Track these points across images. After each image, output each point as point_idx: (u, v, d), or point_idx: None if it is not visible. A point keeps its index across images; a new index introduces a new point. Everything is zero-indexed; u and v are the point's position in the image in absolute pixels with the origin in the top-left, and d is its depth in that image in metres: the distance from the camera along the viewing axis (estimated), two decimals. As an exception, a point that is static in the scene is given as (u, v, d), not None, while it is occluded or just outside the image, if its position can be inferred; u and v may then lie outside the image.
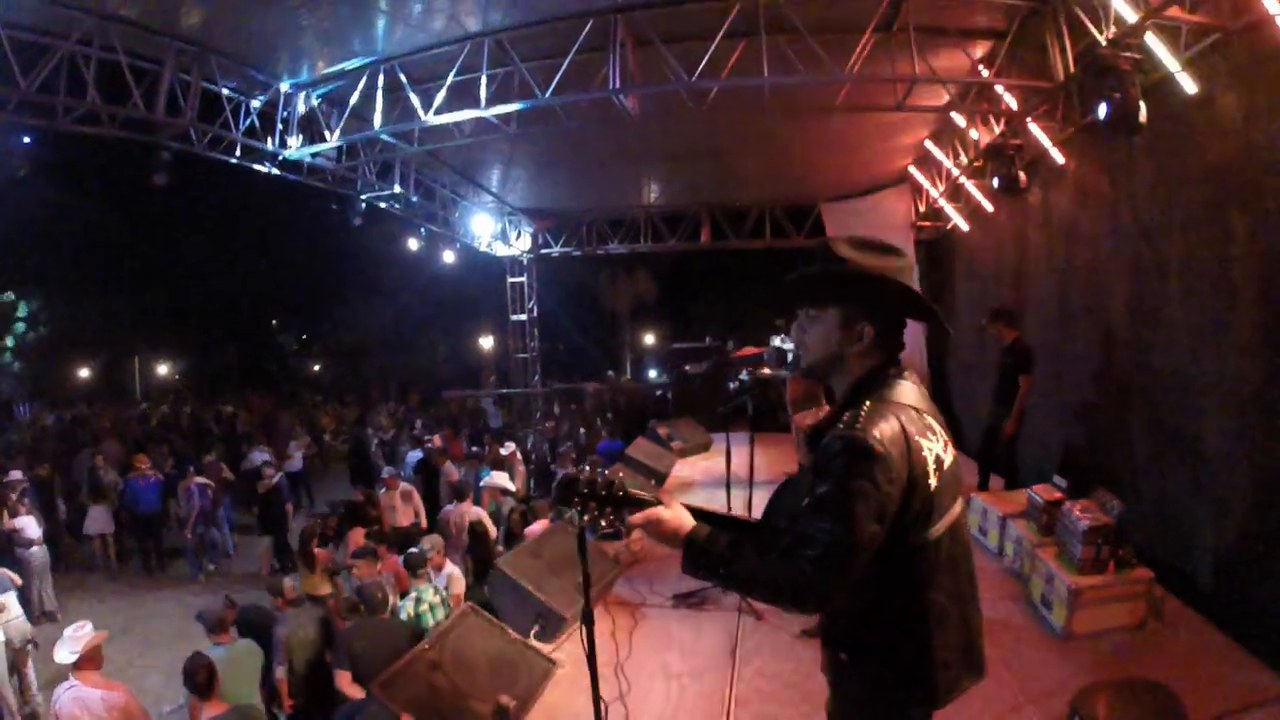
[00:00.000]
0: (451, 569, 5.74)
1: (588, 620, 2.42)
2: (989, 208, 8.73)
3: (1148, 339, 5.45)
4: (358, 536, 6.73)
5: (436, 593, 5.39)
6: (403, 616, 4.94)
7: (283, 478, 9.93)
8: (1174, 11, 4.19)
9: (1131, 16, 4.44)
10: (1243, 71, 4.28)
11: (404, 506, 8.37)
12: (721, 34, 5.55)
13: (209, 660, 3.94)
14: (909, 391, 1.78)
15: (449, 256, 12.24)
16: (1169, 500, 5.03)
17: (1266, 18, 3.86)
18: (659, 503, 1.86)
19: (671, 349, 14.88)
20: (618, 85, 5.76)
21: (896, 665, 1.76)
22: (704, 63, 5.71)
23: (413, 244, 11.10)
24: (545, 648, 4.19)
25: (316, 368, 30.42)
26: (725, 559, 1.71)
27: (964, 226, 9.80)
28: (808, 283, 1.89)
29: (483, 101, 6.09)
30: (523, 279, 14.08)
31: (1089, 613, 4.10)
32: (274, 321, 31.03)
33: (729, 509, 4.97)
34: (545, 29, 5.87)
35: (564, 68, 5.85)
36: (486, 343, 27.01)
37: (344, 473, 13.52)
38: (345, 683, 4.22)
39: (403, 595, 5.34)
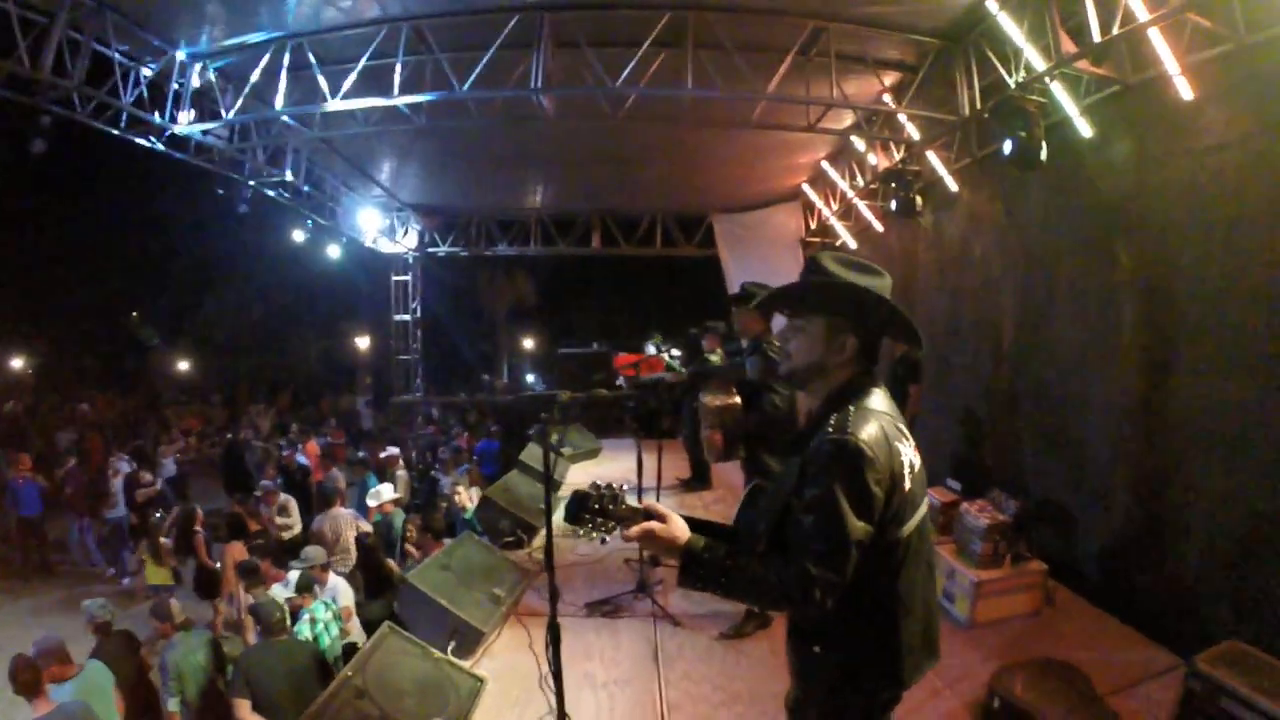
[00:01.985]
0: (335, 580, 5.40)
1: (554, 634, 2.32)
2: (879, 228, 9.26)
3: (1034, 354, 5.95)
4: (237, 550, 6.19)
5: (328, 609, 5.05)
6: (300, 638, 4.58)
7: (165, 485, 8.99)
8: (1081, 64, 4.58)
9: (1041, 65, 4.83)
10: (1137, 121, 4.77)
11: (283, 519, 7.81)
12: (649, 42, 5.55)
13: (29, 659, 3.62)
14: (882, 400, 1.89)
15: (334, 251, 11.55)
16: (1053, 499, 5.49)
17: (1165, 76, 4.32)
18: (655, 516, 1.87)
19: (559, 353, 14.75)
20: (539, 85, 5.63)
21: (867, 653, 1.87)
22: (627, 70, 5.70)
23: (298, 236, 10.34)
24: (466, 664, 4.00)
25: (183, 365, 27.48)
26: (725, 569, 1.76)
27: (853, 244, 10.31)
28: (801, 293, 2.00)
29: (395, 89, 5.79)
30: (407, 277, 13.54)
31: (990, 603, 4.43)
32: (134, 314, 27.56)
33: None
34: (469, 20, 5.63)
35: (484, 61, 5.66)
36: (363, 343, 25.70)
37: (212, 479, 12.42)
38: (245, 712, 3.85)
39: (293, 616, 4.95)
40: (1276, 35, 3.68)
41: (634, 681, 3.98)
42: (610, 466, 8.88)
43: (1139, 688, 3.74)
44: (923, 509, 1.89)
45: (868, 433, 1.75)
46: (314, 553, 5.39)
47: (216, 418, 17.40)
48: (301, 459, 10.38)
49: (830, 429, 1.76)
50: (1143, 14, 4.07)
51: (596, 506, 1.87)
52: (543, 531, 6.13)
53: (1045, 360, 5.81)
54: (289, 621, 4.48)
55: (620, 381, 6.17)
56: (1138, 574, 4.65)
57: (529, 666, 4.15)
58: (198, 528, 7.33)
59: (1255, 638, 3.47)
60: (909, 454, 1.85)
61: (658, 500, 5.18)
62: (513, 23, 5.53)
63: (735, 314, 4.70)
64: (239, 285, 25.42)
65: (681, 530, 1.85)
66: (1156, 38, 4.22)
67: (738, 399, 4.14)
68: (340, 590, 5.38)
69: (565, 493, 7.24)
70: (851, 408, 1.81)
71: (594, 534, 1.87)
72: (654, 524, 1.85)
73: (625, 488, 1.96)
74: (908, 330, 1.94)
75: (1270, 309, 3.80)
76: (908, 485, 1.81)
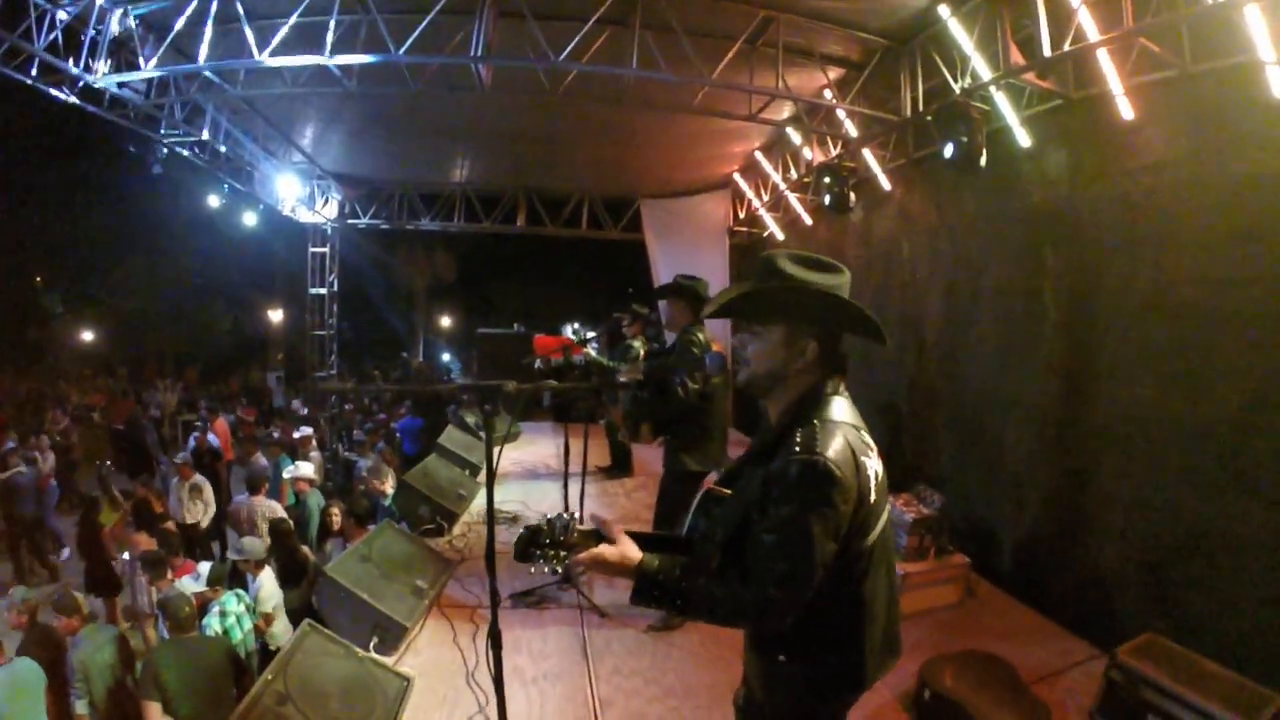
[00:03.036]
0: (266, 574, 5.08)
1: (495, 641, 2.20)
2: (808, 221, 9.36)
3: (957, 353, 6.13)
4: (143, 541, 5.78)
5: (240, 600, 4.77)
6: (211, 633, 4.30)
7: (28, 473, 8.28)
8: (1027, 75, 4.69)
9: (987, 73, 4.91)
10: (1075, 135, 4.93)
11: (191, 502, 7.33)
12: (595, 18, 5.39)
13: None
14: (846, 409, 1.85)
15: (250, 219, 10.90)
16: (972, 495, 5.69)
17: (1107, 94, 4.46)
18: (605, 538, 1.84)
19: (478, 333, 14.44)
20: (479, 53, 5.40)
21: (831, 660, 1.86)
22: (570, 46, 5.53)
23: (213, 201, 9.69)
24: (389, 661, 3.83)
25: (88, 336, 25.41)
26: (680, 591, 1.74)
27: (780, 236, 10.42)
28: (761, 300, 1.91)
29: (328, 48, 5.43)
30: (325, 249, 12.94)
31: (915, 595, 4.54)
32: (38, 279, 25.39)
33: (565, 503, 4.88)
34: (410, -20, 5.34)
35: (423, 26, 5.37)
36: (276, 316, 24.56)
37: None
38: (155, 715, 3.61)
39: (202, 611, 4.64)
40: (1220, 67, 3.84)
41: (564, 676, 3.92)
42: (530, 450, 8.78)
43: (1060, 677, 3.91)
44: (885, 515, 1.88)
45: (835, 450, 1.71)
46: (251, 546, 5.09)
47: (121, 393, 16.20)
48: (212, 438, 9.78)
49: (797, 447, 1.71)
50: (1094, 34, 4.18)
51: (548, 541, 1.82)
52: (460, 518, 6.11)
53: (967, 360, 6.00)
54: (197, 616, 4.21)
55: (538, 364, 6.04)
56: (1053, 569, 4.87)
57: (454, 662, 4.03)
58: (102, 520, 6.82)
59: (1164, 631, 3.66)
60: (874, 465, 1.82)
61: (582, 485, 5.17)
62: (457, -14, 5.26)
63: (666, 305, 4.65)
64: (150, 252, 23.73)
65: (633, 551, 1.80)
66: (1104, 58, 4.35)
67: (639, 376, 4.25)
68: (265, 590, 5.04)
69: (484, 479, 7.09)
70: (817, 421, 1.76)
71: (546, 566, 1.83)
72: (604, 548, 1.80)
73: (575, 516, 1.90)
74: (871, 329, 1.87)
75: (1191, 325, 4.00)
76: (873, 498, 1.79)
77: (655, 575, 1.75)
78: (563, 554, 1.82)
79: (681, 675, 3.91)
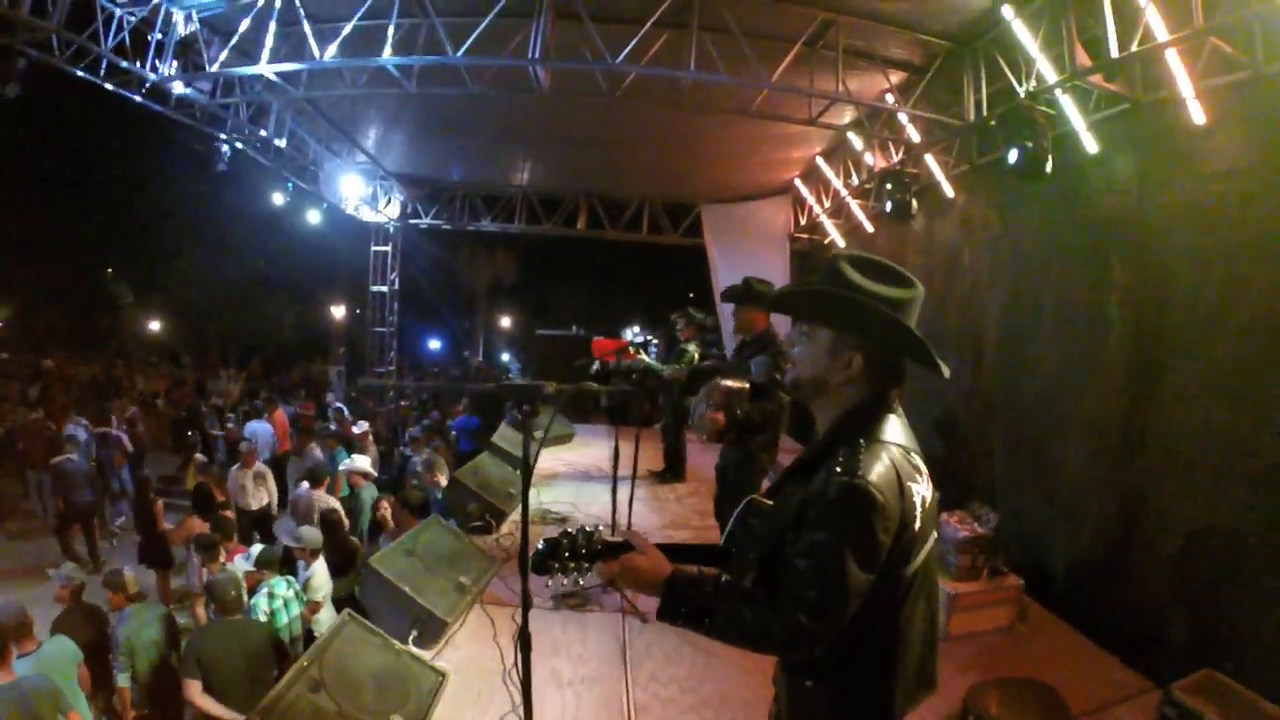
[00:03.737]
0: (319, 565, 5.18)
1: (524, 643, 2.18)
2: (869, 229, 9.19)
3: (1017, 365, 5.92)
4: (197, 525, 5.98)
5: (290, 586, 4.87)
6: (259, 616, 4.41)
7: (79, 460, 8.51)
8: (1093, 78, 4.53)
9: (1053, 76, 4.76)
10: (1143, 141, 4.72)
11: (255, 489, 7.56)
12: (653, 20, 5.39)
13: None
14: (898, 428, 1.74)
15: (314, 216, 11.24)
16: (1027, 514, 5.48)
17: (1177, 97, 4.26)
18: (632, 547, 1.76)
19: (537, 334, 14.58)
20: (537, 55, 5.45)
21: (860, 688, 1.75)
22: (628, 49, 5.53)
23: (278, 199, 10.04)
24: (427, 655, 3.86)
25: (154, 325, 26.55)
26: (709, 609, 1.64)
27: (841, 242, 10.26)
28: (804, 298, 1.88)
29: (387, 51, 5.56)
30: (387, 248, 13.28)
31: (965, 616, 4.39)
32: (109, 270, 26.14)
33: (614, 506, 4.84)
34: (469, -17, 5.44)
35: (481, 28, 5.45)
36: (338, 312, 25.25)
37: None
38: (195, 693, 3.71)
39: (251, 592, 4.77)
40: None
41: (601, 681, 3.88)
42: (583, 452, 8.77)
43: (1110, 710, 3.73)
44: (930, 542, 1.75)
45: (878, 474, 1.60)
46: (309, 535, 5.19)
47: (186, 380, 16.85)
48: (261, 426, 10.04)
49: (839, 468, 1.60)
50: (1163, 34, 4.01)
51: (568, 554, 1.77)
52: (510, 517, 6.14)
53: (1027, 373, 5.78)
54: (245, 599, 4.32)
55: (595, 366, 6.06)
56: (1108, 595, 4.65)
57: (493, 660, 4.01)
58: (152, 495, 7.10)
59: (1220, 666, 3.47)
60: (921, 490, 1.70)
61: (632, 489, 5.14)
62: (515, -11, 5.33)
63: (737, 308, 4.59)
64: (215, 246, 24.50)
65: (664, 564, 1.72)
66: (1173, 58, 4.17)
67: (748, 385, 4.14)
68: (317, 578, 5.13)
69: (536, 479, 7.16)
70: (862, 440, 1.65)
71: (565, 579, 1.77)
72: (634, 556, 1.73)
73: (601, 527, 1.85)
74: (921, 353, 1.72)
75: (1264, 340, 3.78)
76: (918, 524, 1.68)
77: (685, 591, 1.67)
78: (585, 565, 1.77)
79: (719, 686, 3.84)
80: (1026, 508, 5.50)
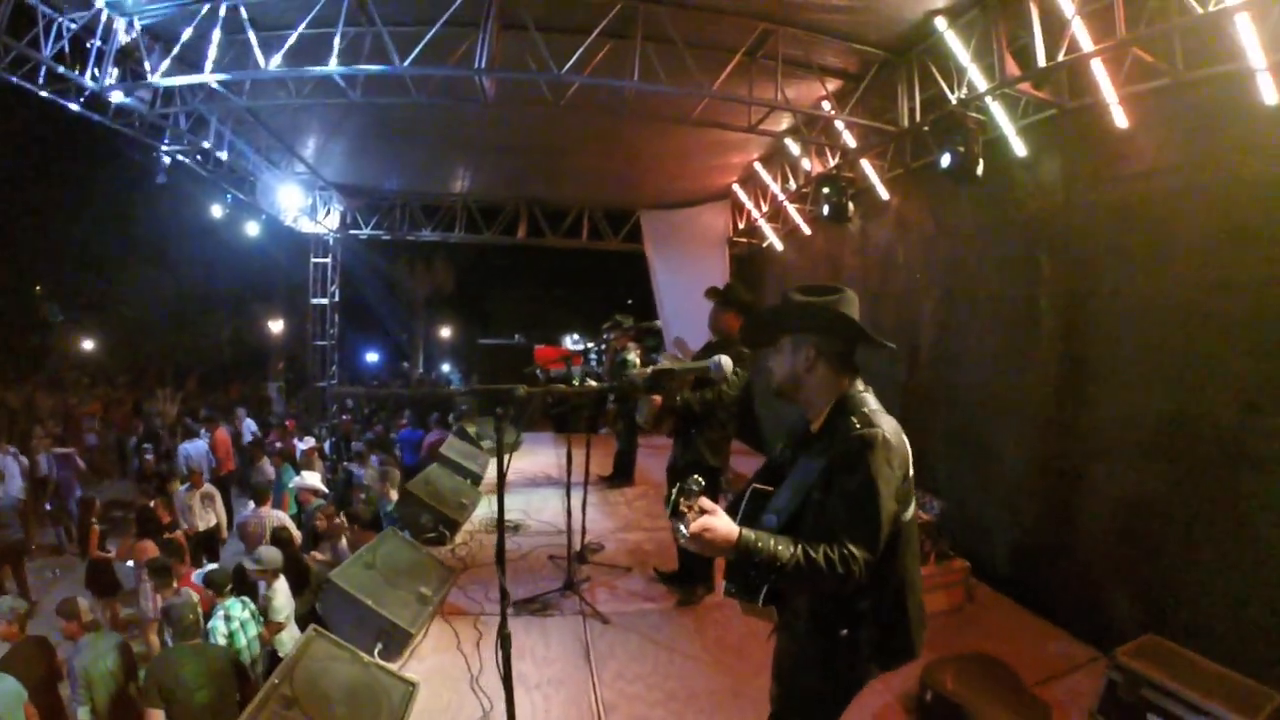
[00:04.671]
0: (280, 585, 5.07)
1: (505, 642, 2.23)
2: (807, 231, 9.45)
3: (953, 360, 6.20)
4: (148, 548, 5.79)
5: (245, 607, 4.77)
6: (217, 640, 4.31)
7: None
8: (1022, 86, 4.78)
9: (983, 84, 5.00)
10: (1070, 144, 5.01)
11: (204, 510, 7.34)
12: (597, 31, 5.47)
13: None
14: (877, 402, 2.16)
15: (253, 228, 10.97)
16: (969, 501, 5.71)
17: (1102, 103, 4.54)
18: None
19: (479, 343, 14.47)
20: (483, 65, 5.47)
21: (885, 629, 2.12)
22: (573, 59, 5.60)
23: (216, 211, 9.77)
24: (395, 667, 3.85)
25: (87, 345, 25.18)
26: (777, 555, 1.89)
27: (779, 246, 10.50)
28: (768, 319, 2.39)
29: (334, 60, 5.50)
30: (327, 260, 13.02)
31: (916, 600, 4.56)
32: (37, 287, 24.83)
33: (568, 511, 4.93)
34: (417, -8, 5.42)
35: (428, 37, 5.44)
36: (276, 327, 24.57)
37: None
38: (159, 723, 3.59)
39: (206, 616, 4.65)
40: (1212, 74, 3.91)
41: (567, 682, 3.93)
42: (531, 459, 8.82)
43: (1061, 679, 3.96)
44: (914, 499, 2.17)
45: (890, 427, 2.04)
46: (269, 555, 5.04)
47: (118, 401, 16.09)
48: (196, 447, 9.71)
49: (857, 426, 2.02)
50: (1088, 44, 4.27)
51: (696, 488, 1.92)
52: (464, 526, 6.13)
53: (963, 367, 6.07)
54: (202, 623, 4.22)
55: (538, 374, 6.09)
56: (1051, 572, 4.91)
57: (458, 668, 4.05)
58: (93, 519, 6.83)
59: (1163, 632, 3.69)
60: (909, 447, 2.11)
61: (585, 495, 5.25)
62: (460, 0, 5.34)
63: (715, 308, 4.73)
64: (151, 261, 23.57)
65: (733, 525, 1.94)
66: (1098, 67, 4.43)
67: (691, 374, 4.31)
68: (279, 599, 4.99)
69: (485, 488, 7.17)
70: (865, 410, 2.07)
71: (684, 516, 1.91)
72: (713, 520, 1.91)
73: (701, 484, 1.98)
74: (859, 333, 2.16)
75: (1186, 330, 4.06)
76: (911, 475, 2.10)
77: (753, 546, 1.89)
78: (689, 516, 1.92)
79: (684, 680, 3.93)
80: (969, 494, 5.75)
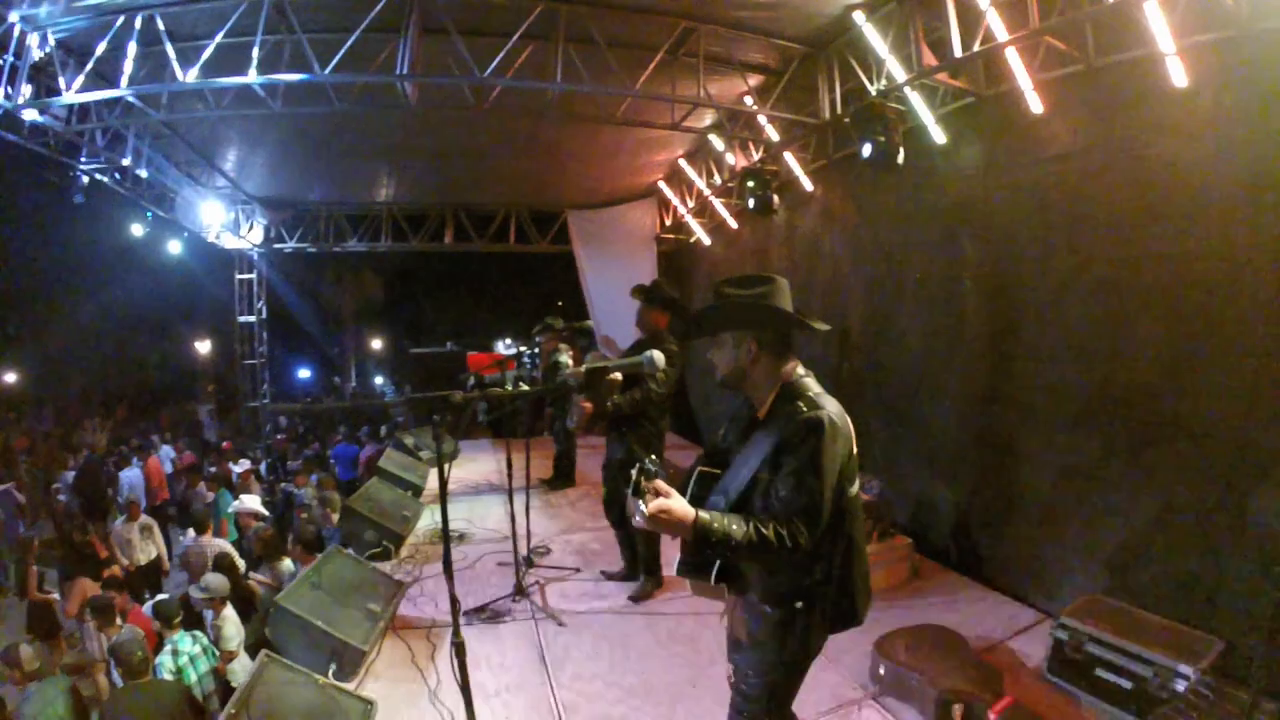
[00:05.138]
0: (228, 612, 4.93)
1: (459, 650, 2.23)
2: (734, 225, 9.60)
3: (882, 343, 6.39)
4: (87, 586, 5.55)
5: (195, 641, 4.63)
6: (164, 675, 4.17)
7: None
8: (939, 75, 4.95)
9: (902, 75, 5.15)
10: (988, 130, 5.22)
11: (143, 542, 7.06)
12: (519, 34, 5.46)
13: None
14: (818, 385, 2.27)
15: (175, 246, 10.58)
16: (908, 480, 5.91)
17: (1017, 90, 4.73)
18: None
19: (411, 353, 14.23)
20: (405, 70, 5.40)
21: (833, 597, 2.24)
22: (495, 62, 5.58)
23: (137, 230, 9.37)
24: (350, 686, 3.79)
25: (8, 377, 23.67)
26: (730, 534, 2.02)
27: (706, 241, 10.64)
28: (704, 317, 2.42)
29: (253, 70, 5.35)
30: (252, 275, 12.65)
31: (863, 578, 4.70)
32: None
33: (513, 517, 4.92)
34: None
35: (348, 44, 5.34)
36: (204, 347, 23.68)
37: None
38: (114, 764, 3.46)
39: (155, 650, 4.50)
40: (1123, 60, 4.13)
41: (526, 687, 3.93)
42: (470, 468, 8.76)
43: (1008, 643, 4.13)
44: (859, 478, 2.28)
45: (834, 410, 2.15)
46: (216, 583, 4.87)
47: (51, 435, 15.21)
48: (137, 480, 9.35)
49: (804, 409, 2.13)
50: (1002, 34, 4.45)
51: (653, 470, 2.02)
52: (407, 540, 6.06)
53: (893, 349, 6.26)
54: (151, 659, 4.08)
55: (471, 381, 6.06)
56: (991, 541, 5.11)
57: (415, 682, 4.01)
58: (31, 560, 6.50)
59: (1104, 590, 3.93)
60: (851, 427, 2.23)
61: (527, 499, 5.26)
62: (380, 5, 5.25)
63: (642, 307, 4.72)
64: (71, 286, 22.32)
65: (688, 507, 2.05)
66: (1012, 55, 4.61)
67: (619, 376, 4.33)
68: (229, 628, 4.84)
69: (427, 499, 7.08)
70: (810, 394, 2.18)
71: (644, 496, 1.99)
72: (671, 502, 2.03)
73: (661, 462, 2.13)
74: (795, 323, 2.27)
75: (1106, 302, 4.28)
76: (854, 451, 2.22)
77: (708, 524, 2.01)
78: (647, 497, 2.01)
79: (642, 675, 3.96)
80: (907, 472, 5.94)
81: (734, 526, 2.03)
